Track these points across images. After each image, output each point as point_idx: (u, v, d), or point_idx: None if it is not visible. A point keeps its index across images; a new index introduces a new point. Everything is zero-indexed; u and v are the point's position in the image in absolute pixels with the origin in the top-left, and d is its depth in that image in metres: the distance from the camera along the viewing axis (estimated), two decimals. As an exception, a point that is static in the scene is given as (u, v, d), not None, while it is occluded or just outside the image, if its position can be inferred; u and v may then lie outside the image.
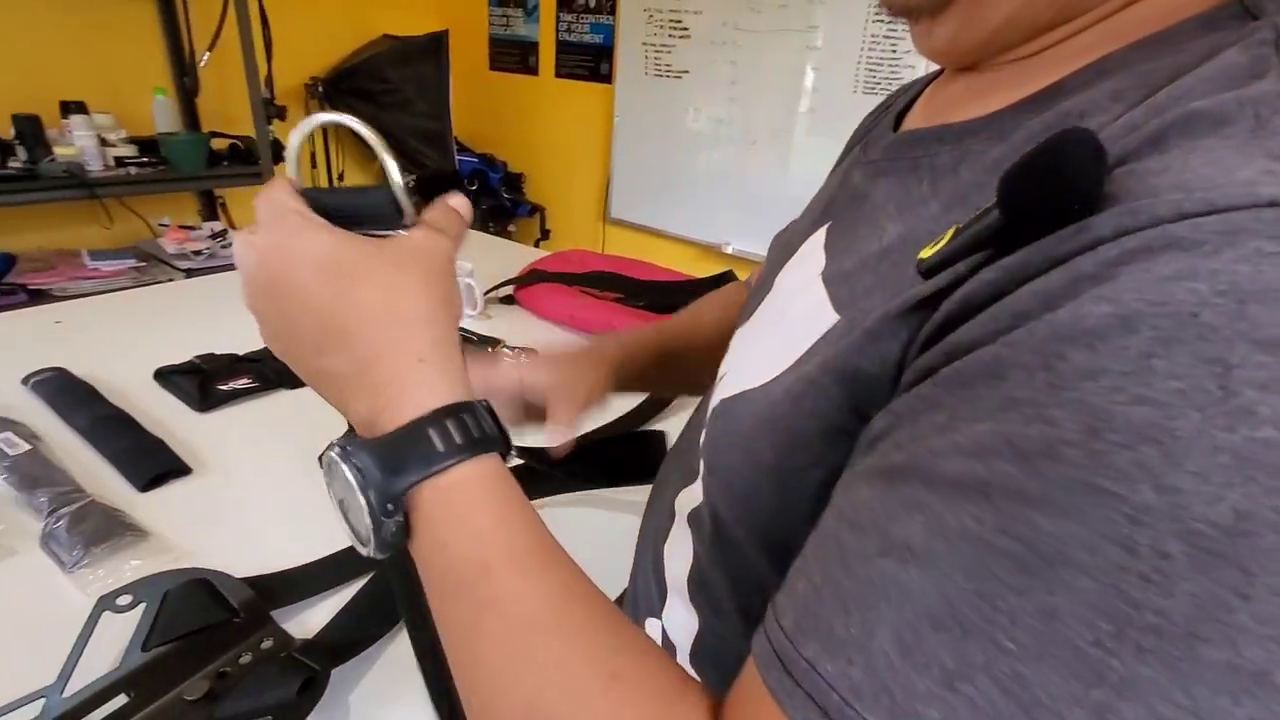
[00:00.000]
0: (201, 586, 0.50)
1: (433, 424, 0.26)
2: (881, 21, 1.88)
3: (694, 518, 0.35)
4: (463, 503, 0.26)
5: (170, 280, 1.80)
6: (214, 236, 1.92)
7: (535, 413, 0.47)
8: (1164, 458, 0.15)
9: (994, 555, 0.17)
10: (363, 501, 0.26)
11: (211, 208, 2.19)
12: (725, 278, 1.04)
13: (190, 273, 1.82)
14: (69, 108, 1.69)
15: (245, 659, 0.46)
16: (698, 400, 0.43)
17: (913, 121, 0.33)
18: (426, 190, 0.34)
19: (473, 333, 0.98)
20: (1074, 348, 0.17)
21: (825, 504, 0.23)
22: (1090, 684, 0.16)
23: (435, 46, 2.27)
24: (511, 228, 2.83)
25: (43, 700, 0.42)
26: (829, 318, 0.27)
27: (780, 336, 0.30)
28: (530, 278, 1.20)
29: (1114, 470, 0.16)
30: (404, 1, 2.69)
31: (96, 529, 0.57)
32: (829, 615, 0.20)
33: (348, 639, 0.48)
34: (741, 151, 2.24)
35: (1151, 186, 0.18)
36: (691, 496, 0.35)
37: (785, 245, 0.38)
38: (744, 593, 0.31)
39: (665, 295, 1.16)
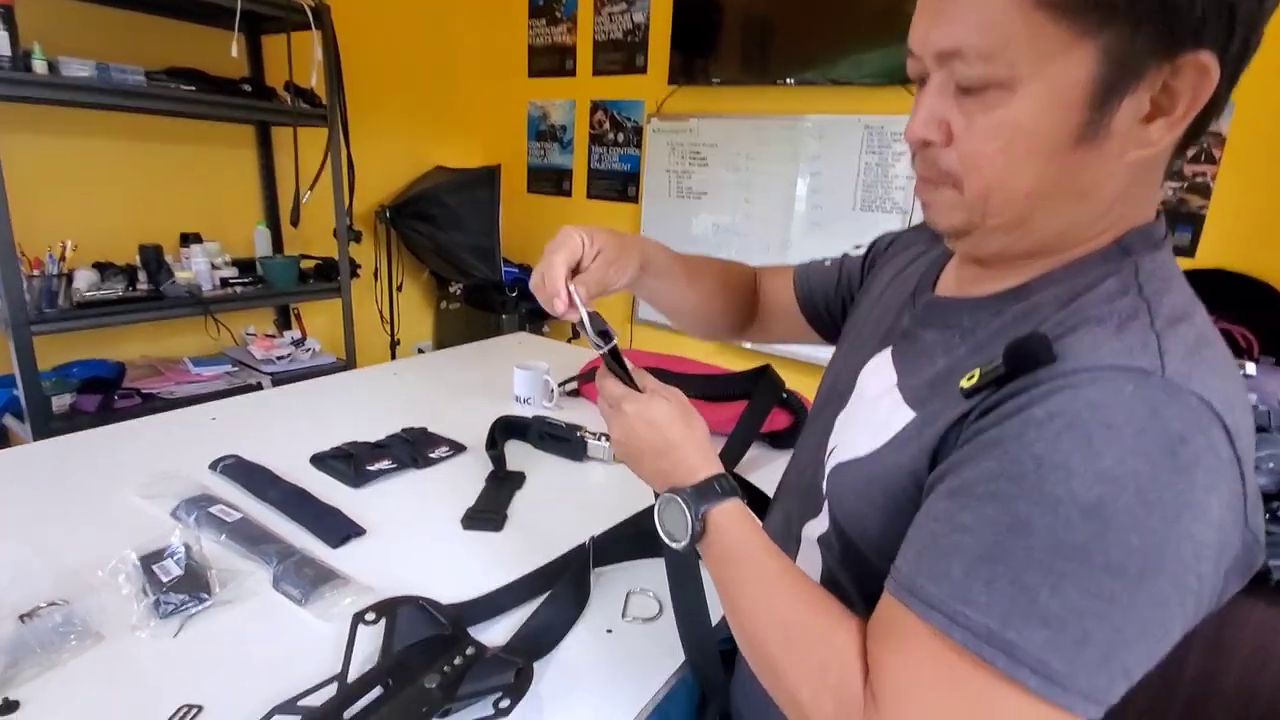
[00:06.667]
0: (419, 608, 0.67)
1: (715, 480, 0.53)
2: (874, 153, 2.21)
3: (823, 541, 0.54)
4: (735, 520, 0.51)
5: (259, 383, 2.02)
6: (294, 344, 2.17)
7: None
8: (1065, 474, 0.35)
9: (1000, 524, 0.36)
10: (688, 515, 0.50)
11: (286, 319, 2.46)
12: (763, 372, 1.24)
13: (275, 375, 2.05)
14: (188, 238, 1.98)
15: (458, 660, 0.62)
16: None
17: (946, 287, 0.54)
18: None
19: (559, 423, 1.17)
20: (1027, 427, 0.37)
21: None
22: (1044, 570, 0.35)
23: (489, 177, 2.62)
24: (546, 329, 3.09)
25: (335, 683, 0.58)
26: (907, 414, 0.48)
27: (871, 424, 0.50)
28: (592, 374, 1.41)
29: (1047, 481, 0.35)
30: (455, 137, 3.10)
31: (315, 574, 0.75)
32: (926, 563, 0.38)
33: (534, 646, 0.65)
34: (754, 257, 2.52)
35: (1064, 356, 0.38)
36: (817, 526, 0.54)
37: (857, 345, 0.60)
38: (864, 583, 0.50)
39: (709, 386, 1.36)
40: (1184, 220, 1.83)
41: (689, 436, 0.55)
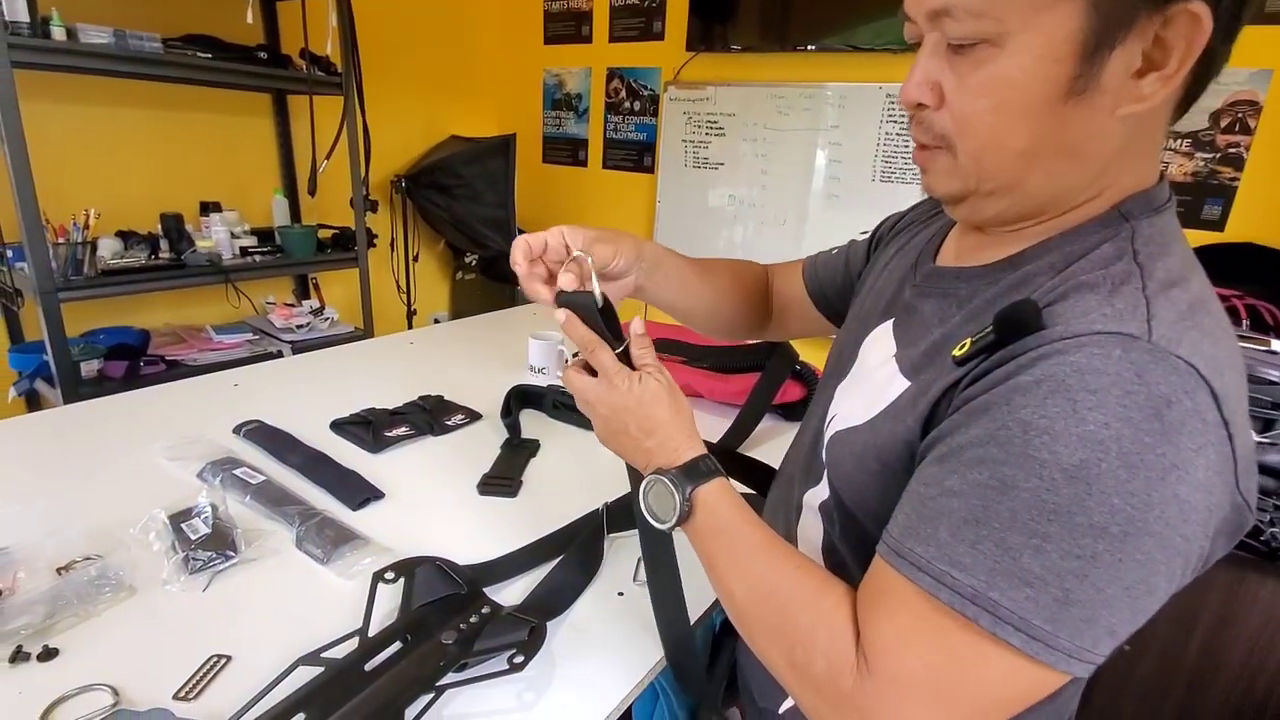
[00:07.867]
0: (436, 568, 0.69)
1: (700, 461, 0.52)
2: (894, 121, 2.16)
3: (824, 509, 0.55)
4: (721, 497, 0.51)
5: (279, 351, 2.05)
6: (313, 313, 2.20)
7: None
8: (1050, 438, 0.35)
9: (986, 487, 0.37)
10: (676, 497, 0.50)
11: (305, 288, 2.49)
12: (776, 344, 1.24)
13: (294, 344, 2.08)
14: (208, 207, 2.00)
15: (474, 619, 0.64)
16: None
17: (946, 257, 0.54)
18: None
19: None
20: (1014, 393, 0.37)
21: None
22: (1027, 531, 0.35)
23: (504, 147, 2.61)
24: (560, 300, 3.10)
25: (357, 637, 0.60)
26: (903, 383, 0.48)
27: (869, 393, 0.51)
28: (607, 345, 1.41)
29: (1032, 446, 0.35)
30: (470, 106, 3.08)
31: (336, 535, 0.77)
32: (915, 526, 0.39)
33: (547, 606, 0.67)
34: (770, 229, 2.50)
35: (1054, 323, 0.39)
36: (819, 494, 0.55)
37: (860, 318, 0.60)
38: (862, 553, 0.50)
39: (725, 357, 1.36)
40: (1214, 193, 1.77)
41: (676, 415, 0.54)
